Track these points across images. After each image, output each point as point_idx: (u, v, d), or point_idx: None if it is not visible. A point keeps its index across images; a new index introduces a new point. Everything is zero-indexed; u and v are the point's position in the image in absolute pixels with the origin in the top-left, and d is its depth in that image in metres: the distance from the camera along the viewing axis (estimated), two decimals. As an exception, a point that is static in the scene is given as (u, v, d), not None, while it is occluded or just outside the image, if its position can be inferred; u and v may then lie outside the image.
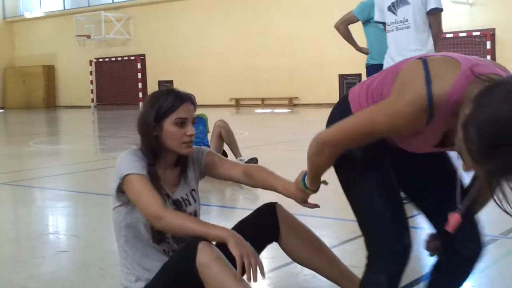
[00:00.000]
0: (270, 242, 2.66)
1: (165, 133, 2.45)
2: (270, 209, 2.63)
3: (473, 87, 1.74)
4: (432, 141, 1.99)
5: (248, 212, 2.73)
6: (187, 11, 26.75)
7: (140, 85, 28.00)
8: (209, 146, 7.26)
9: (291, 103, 24.06)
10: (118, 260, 2.61)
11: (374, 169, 2.13)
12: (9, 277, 3.51)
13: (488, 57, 19.56)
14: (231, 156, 7.32)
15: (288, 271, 3.34)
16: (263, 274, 2.24)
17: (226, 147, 7.39)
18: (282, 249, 2.65)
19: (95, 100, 30.10)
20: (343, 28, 6.47)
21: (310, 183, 2.34)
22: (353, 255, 3.74)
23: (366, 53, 6.34)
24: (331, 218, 4.64)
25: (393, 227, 2.07)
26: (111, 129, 16.07)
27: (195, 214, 2.58)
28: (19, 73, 32.39)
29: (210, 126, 7.43)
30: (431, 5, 5.03)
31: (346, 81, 22.25)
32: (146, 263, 2.48)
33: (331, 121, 2.17)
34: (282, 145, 10.52)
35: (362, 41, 6.41)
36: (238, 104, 25.77)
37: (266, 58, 24.53)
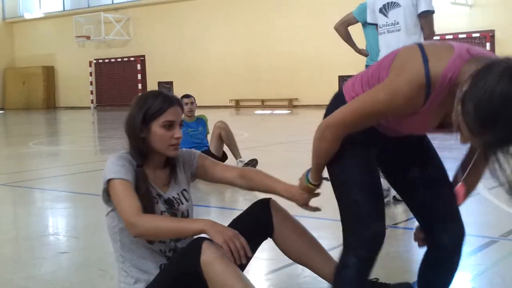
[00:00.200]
0: (265, 238, 2.66)
1: (152, 135, 2.46)
2: (264, 204, 2.64)
3: (469, 66, 1.85)
4: (432, 122, 2.05)
5: (248, 213, 2.73)
6: (187, 12, 26.76)
7: (139, 86, 28.00)
8: (209, 147, 7.26)
9: (291, 104, 24.07)
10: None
11: (359, 159, 2.20)
12: (9, 278, 3.52)
13: (488, 58, 19.61)
14: (231, 157, 7.32)
15: (288, 272, 3.35)
16: (249, 253, 2.27)
17: (226, 148, 7.39)
18: (276, 244, 2.65)
19: (94, 101, 30.10)
20: (342, 29, 6.47)
21: (314, 176, 2.36)
22: (353, 257, 3.74)
23: (366, 55, 6.34)
24: (330, 219, 4.63)
25: (366, 214, 2.15)
26: (110, 130, 16.06)
27: (188, 212, 2.59)
28: (18, 74, 32.39)
29: (210, 127, 7.43)
30: (422, 8, 4.97)
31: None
32: (144, 265, 2.48)
33: (327, 113, 2.23)
34: (282, 146, 10.52)
35: (361, 43, 6.41)
36: (238, 105, 25.77)
37: (266, 59, 24.54)
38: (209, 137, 7.43)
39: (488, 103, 1.69)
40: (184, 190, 2.61)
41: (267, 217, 2.61)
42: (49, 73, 31.90)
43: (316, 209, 2.54)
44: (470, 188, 2.37)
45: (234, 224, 2.58)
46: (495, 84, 1.69)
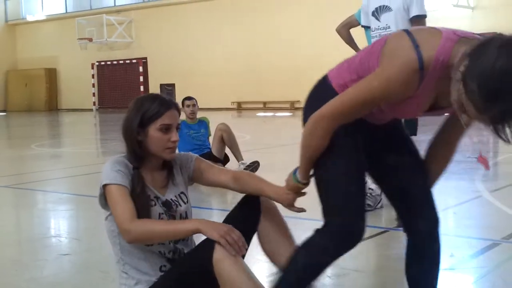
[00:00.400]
0: (255, 231, 2.64)
1: (149, 138, 2.47)
2: (253, 201, 2.61)
3: (459, 47, 1.89)
4: (424, 105, 2.08)
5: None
6: (189, 15, 26.78)
7: (142, 88, 27.98)
8: (210, 149, 7.26)
9: (293, 107, 24.06)
10: (118, 264, 2.61)
11: (345, 153, 2.20)
12: (11, 280, 3.52)
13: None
14: (232, 159, 7.32)
15: (289, 274, 3.34)
16: (245, 244, 2.31)
17: (227, 151, 7.39)
18: (258, 236, 2.62)
19: (97, 103, 30.10)
20: (344, 31, 6.47)
21: (302, 174, 2.34)
22: (355, 259, 3.74)
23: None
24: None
25: (357, 209, 2.19)
26: (113, 132, 16.07)
27: (186, 214, 2.60)
28: (21, 76, 32.42)
29: (212, 129, 7.43)
30: (414, 12, 4.90)
31: (348, 85, 22.21)
32: (144, 266, 2.49)
33: (311, 100, 2.26)
34: (284, 148, 10.52)
35: (363, 45, 6.40)
36: (239, 107, 25.77)
37: (268, 62, 24.54)
38: (211, 139, 7.43)
39: (491, 79, 1.72)
40: (182, 192, 2.62)
41: (255, 213, 2.59)
42: (52, 75, 31.93)
43: (301, 209, 2.53)
44: (442, 165, 2.41)
45: (226, 221, 2.58)
46: (494, 60, 1.73)
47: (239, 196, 2.64)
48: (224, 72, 25.84)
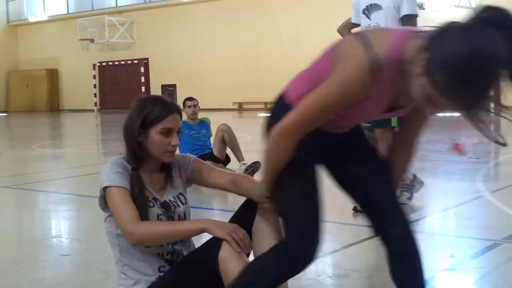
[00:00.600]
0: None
1: (149, 140, 2.47)
2: (250, 205, 2.59)
3: (413, 42, 1.87)
4: (382, 105, 2.06)
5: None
6: (190, 15, 26.79)
7: (143, 89, 27.97)
8: (211, 150, 7.26)
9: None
10: (119, 264, 2.62)
11: (304, 168, 2.18)
12: (12, 281, 3.52)
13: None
14: (233, 160, 7.32)
15: (290, 275, 3.34)
16: (249, 243, 2.34)
17: (228, 151, 7.39)
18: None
19: (98, 103, 30.10)
20: (346, 32, 6.45)
21: (267, 188, 2.29)
22: (356, 260, 3.75)
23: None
24: (332, 222, 4.63)
25: (307, 233, 2.14)
26: (114, 132, 16.07)
27: (185, 215, 2.60)
28: (22, 76, 32.44)
29: (213, 130, 7.44)
30: (404, 12, 4.90)
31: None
32: (143, 267, 2.50)
33: (271, 119, 2.22)
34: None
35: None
36: (241, 108, 25.76)
37: (269, 62, 24.54)
38: (212, 139, 7.44)
39: (456, 64, 1.71)
40: (180, 193, 2.62)
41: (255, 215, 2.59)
42: (53, 76, 31.95)
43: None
44: (404, 165, 2.38)
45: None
46: (456, 45, 1.72)
47: (240, 198, 2.65)
48: (225, 72, 25.85)
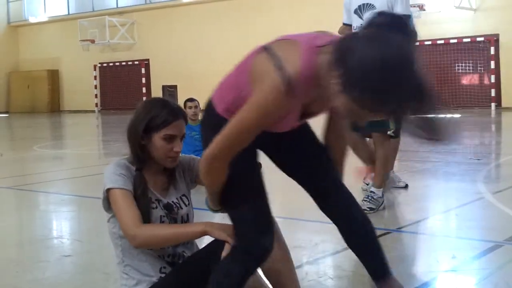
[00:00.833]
0: None
1: (152, 144, 2.47)
2: None
3: (322, 57, 1.91)
4: (297, 117, 2.14)
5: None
6: (191, 16, 26.79)
7: (144, 89, 28.02)
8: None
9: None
10: (120, 265, 2.62)
11: (243, 171, 2.25)
12: (13, 281, 3.52)
13: (492, 62, 19.56)
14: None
15: (291, 276, 3.34)
16: None
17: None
18: None
19: (99, 104, 30.12)
20: (347, 33, 6.48)
21: (214, 203, 2.35)
22: (357, 261, 3.73)
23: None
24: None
25: (254, 229, 2.22)
26: (115, 133, 16.08)
27: (187, 217, 2.61)
28: (23, 77, 32.44)
29: (214, 131, 7.42)
30: (398, 12, 4.82)
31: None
32: (145, 268, 2.51)
33: (204, 126, 2.34)
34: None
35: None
36: (241, 109, 25.75)
37: (270, 63, 24.52)
38: (213, 140, 7.43)
39: (370, 78, 1.73)
40: (184, 195, 2.62)
41: None
42: (54, 76, 31.95)
43: None
44: (341, 155, 2.51)
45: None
46: (364, 60, 1.74)
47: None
48: (227, 73, 25.82)
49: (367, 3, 4.86)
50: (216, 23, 26.04)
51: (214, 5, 26.20)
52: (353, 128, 4.63)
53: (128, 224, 2.36)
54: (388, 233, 4.43)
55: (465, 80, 20.56)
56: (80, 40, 29.28)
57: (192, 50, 26.73)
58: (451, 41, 20.26)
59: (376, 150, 5.07)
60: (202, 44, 26.45)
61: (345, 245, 3.59)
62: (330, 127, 2.43)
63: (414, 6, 18.90)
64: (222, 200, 2.31)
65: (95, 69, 30.03)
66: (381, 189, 5.02)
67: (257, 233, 2.22)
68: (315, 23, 23.82)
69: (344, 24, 5.32)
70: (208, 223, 2.37)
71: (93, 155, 11.32)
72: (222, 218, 2.49)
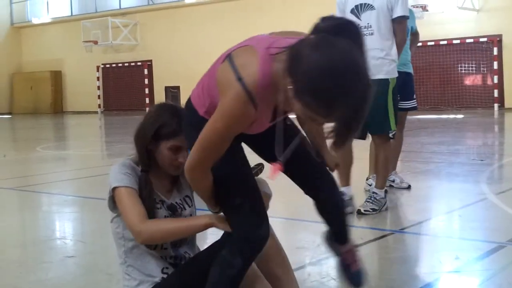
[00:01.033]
0: None
1: (159, 151, 2.50)
2: None
3: (277, 65, 1.99)
4: (267, 120, 2.24)
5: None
6: (194, 17, 26.81)
7: (147, 90, 28.04)
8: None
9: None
10: (123, 266, 2.62)
11: (231, 162, 2.31)
12: (15, 282, 3.52)
13: (495, 63, 19.54)
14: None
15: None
16: None
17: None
18: None
19: (102, 105, 30.15)
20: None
21: (210, 206, 2.40)
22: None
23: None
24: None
25: (250, 219, 2.28)
26: (118, 134, 16.10)
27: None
28: (26, 78, 32.48)
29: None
30: (398, 13, 4.81)
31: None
32: (147, 269, 2.52)
33: (185, 125, 2.40)
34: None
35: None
36: (244, 110, 25.75)
37: (273, 64, 24.53)
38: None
39: (319, 85, 1.80)
40: (187, 196, 2.65)
41: None
42: (57, 77, 31.98)
43: None
44: (323, 140, 2.63)
45: None
46: (311, 66, 1.81)
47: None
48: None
49: (366, 3, 4.81)
50: (219, 24, 26.05)
51: (217, 6, 26.22)
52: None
53: (133, 221, 2.37)
54: (391, 233, 4.43)
55: (468, 81, 20.54)
56: (83, 41, 29.31)
57: (195, 51, 26.73)
58: (454, 41, 20.24)
59: (376, 152, 5.06)
60: (205, 45, 26.45)
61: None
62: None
63: (417, 7, 18.90)
64: (218, 200, 2.36)
65: (98, 70, 30.06)
66: (384, 189, 5.01)
67: (253, 222, 2.28)
68: (318, 24, 23.80)
69: None
70: (212, 215, 2.39)
71: (96, 156, 11.33)
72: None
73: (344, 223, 2.71)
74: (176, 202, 2.58)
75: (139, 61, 28.78)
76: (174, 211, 2.56)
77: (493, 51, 19.64)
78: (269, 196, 2.58)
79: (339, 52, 1.81)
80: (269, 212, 2.62)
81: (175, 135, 2.46)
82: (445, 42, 20.38)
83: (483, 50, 20.07)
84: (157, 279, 2.49)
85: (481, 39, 19.94)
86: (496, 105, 19.41)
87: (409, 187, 5.97)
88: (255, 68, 2.03)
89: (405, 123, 6.18)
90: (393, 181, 5.99)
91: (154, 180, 2.54)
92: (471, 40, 20.09)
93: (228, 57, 2.15)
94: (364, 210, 4.86)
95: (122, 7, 29.60)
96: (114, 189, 2.43)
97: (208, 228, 2.38)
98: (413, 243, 4.24)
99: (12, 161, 10.24)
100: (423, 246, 4.20)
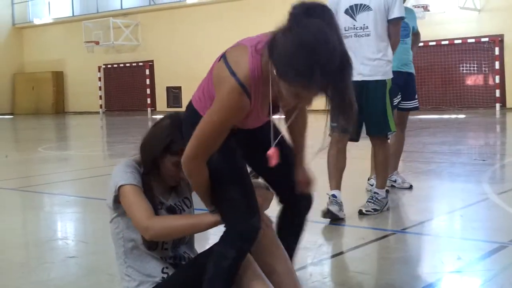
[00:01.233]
0: None
1: (162, 164, 2.53)
2: None
3: (264, 57, 2.18)
4: (263, 113, 2.35)
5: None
6: (195, 17, 26.81)
7: (148, 91, 28.06)
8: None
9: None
10: (124, 266, 2.62)
11: (225, 157, 2.40)
12: (17, 283, 3.53)
13: (497, 63, 19.52)
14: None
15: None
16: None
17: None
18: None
19: (103, 106, 30.17)
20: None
21: (206, 203, 2.44)
22: (361, 262, 3.74)
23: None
24: (338, 224, 4.63)
25: (242, 210, 2.34)
26: (119, 135, 16.11)
27: None
28: (28, 79, 32.51)
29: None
30: (395, 14, 4.74)
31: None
32: (147, 269, 2.54)
33: (186, 125, 2.46)
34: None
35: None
36: (246, 110, 25.75)
37: (274, 64, 24.53)
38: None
39: (295, 58, 1.99)
40: (186, 197, 2.67)
41: None
42: (58, 78, 32.01)
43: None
44: (302, 139, 2.74)
45: None
46: (286, 44, 2.01)
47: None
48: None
49: (361, 4, 4.74)
50: (220, 24, 26.05)
51: (218, 6, 26.22)
52: (343, 130, 4.63)
53: (140, 217, 2.38)
54: (392, 234, 4.43)
55: (469, 81, 20.53)
56: (85, 42, 29.33)
57: (196, 51, 26.73)
58: (456, 41, 20.23)
59: (375, 153, 5.03)
60: (206, 45, 26.46)
61: (350, 246, 3.60)
62: (292, 123, 2.61)
63: (419, 7, 18.90)
64: (212, 198, 2.40)
65: (99, 71, 30.07)
66: (385, 189, 5.01)
67: (243, 214, 2.33)
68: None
69: None
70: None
71: (97, 156, 11.33)
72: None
73: (296, 243, 2.75)
74: (175, 204, 2.60)
75: (140, 62, 28.79)
76: (173, 213, 2.58)
77: (494, 51, 19.63)
78: (271, 195, 2.59)
79: (311, 29, 2.00)
80: (271, 213, 2.63)
81: (181, 153, 2.46)
82: (446, 42, 20.37)
83: (484, 50, 20.06)
84: (158, 279, 2.50)
85: (483, 39, 19.93)
86: (497, 105, 19.40)
87: (410, 187, 5.97)
88: (246, 64, 2.21)
89: (407, 123, 6.17)
90: (395, 181, 5.99)
91: (154, 182, 2.56)
92: (473, 40, 20.08)
93: (223, 56, 2.32)
94: (366, 211, 4.86)
95: (123, 7, 29.61)
96: (120, 187, 2.44)
97: (216, 226, 2.39)
98: (414, 243, 4.24)
99: (14, 161, 10.25)
100: (424, 246, 4.20)
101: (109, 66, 30.11)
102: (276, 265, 2.51)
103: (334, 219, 4.59)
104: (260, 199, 2.44)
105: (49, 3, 32.43)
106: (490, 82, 20.03)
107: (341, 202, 4.71)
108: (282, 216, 2.70)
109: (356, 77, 4.54)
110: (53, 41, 32.16)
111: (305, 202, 2.68)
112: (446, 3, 19.92)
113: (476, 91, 20.24)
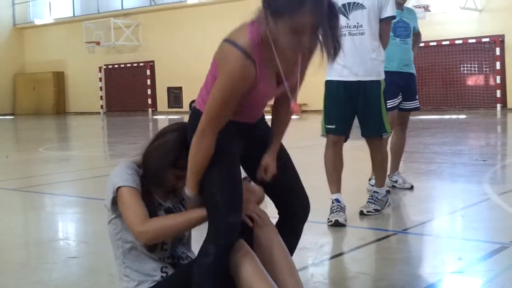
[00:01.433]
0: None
1: (163, 174, 2.54)
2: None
3: (263, 27, 2.28)
4: (271, 85, 2.42)
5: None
6: (196, 18, 26.82)
7: (149, 91, 28.06)
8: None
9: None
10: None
11: (220, 155, 2.43)
12: (18, 283, 3.53)
13: (498, 63, 19.52)
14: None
15: (297, 278, 3.34)
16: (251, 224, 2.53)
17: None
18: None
19: (104, 106, 30.18)
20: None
21: (191, 186, 2.45)
22: (362, 262, 3.74)
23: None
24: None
25: (222, 207, 2.38)
26: (120, 135, 16.12)
27: None
28: (29, 79, 32.53)
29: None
30: (388, 13, 4.68)
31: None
32: (145, 269, 2.55)
33: (190, 127, 2.49)
34: (290, 151, 10.47)
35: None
36: (246, 110, 25.74)
37: (275, 65, 24.52)
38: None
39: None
40: (184, 199, 2.66)
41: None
42: (59, 78, 32.02)
43: None
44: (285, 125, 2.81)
45: None
46: None
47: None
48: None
49: (355, 2, 4.68)
50: (221, 24, 25.98)
51: (219, 6, 26.22)
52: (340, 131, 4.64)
53: (134, 221, 2.40)
54: (393, 234, 4.43)
55: (470, 81, 20.52)
56: (86, 42, 29.35)
57: (197, 51, 26.72)
58: (457, 42, 20.22)
59: (373, 155, 4.97)
60: (207, 46, 26.41)
61: (351, 247, 3.60)
62: (279, 100, 2.67)
63: (419, 7, 18.89)
64: (200, 185, 2.44)
65: (100, 71, 30.08)
66: (384, 187, 4.99)
67: (223, 211, 2.36)
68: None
69: None
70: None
71: (98, 156, 11.34)
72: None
73: (292, 251, 2.73)
74: (173, 205, 2.62)
75: (141, 62, 28.80)
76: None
77: (495, 51, 19.62)
78: (259, 189, 2.63)
79: None
80: (272, 214, 2.63)
81: (184, 168, 2.48)
82: (447, 43, 20.37)
83: (485, 50, 20.05)
84: (157, 278, 2.52)
85: (484, 39, 19.92)
86: (498, 105, 19.38)
87: (411, 188, 5.97)
88: (245, 34, 2.32)
89: (407, 123, 6.17)
90: (396, 181, 5.99)
91: (154, 185, 2.58)
92: (474, 41, 20.07)
93: (224, 40, 2.39)
94: (367, 211, 4.85)
95: (124, 7, 29.62)
96: (118, 188, 2.45)
97: (206, 221, 2.41)
98: (415, 244, 4.24)
99: (15, 162, 10.25)
100: (425, 247, 4.19)
101: (110, 66, 30.12)
102: (278, 265, 2.52)
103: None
104: (246, 193, 2.46)
105: (50, 3, 32.44)
106: (491, 82, 20.02)
107: (344, 206, 4.69)
108: (279, 225, 2.68)
109: (351, 77, 4.50)
110: (54, 42, 32.17)
111: (303, 211, 2.71)
112: (447, 4, 19.92)
113: (477, 92, 20.23)
